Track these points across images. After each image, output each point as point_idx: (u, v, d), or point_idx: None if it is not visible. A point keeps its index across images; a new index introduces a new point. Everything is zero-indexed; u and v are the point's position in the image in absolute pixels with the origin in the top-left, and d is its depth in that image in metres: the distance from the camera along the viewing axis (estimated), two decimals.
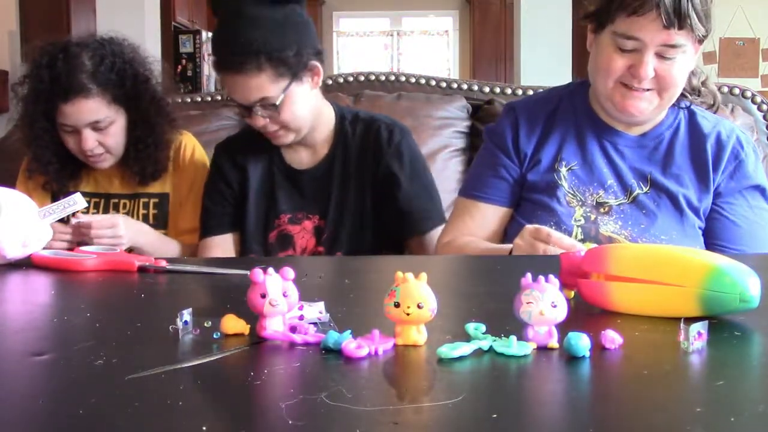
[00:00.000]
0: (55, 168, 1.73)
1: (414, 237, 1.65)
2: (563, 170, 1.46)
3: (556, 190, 1.44)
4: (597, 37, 1.42)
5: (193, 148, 1.82)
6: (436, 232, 1.60)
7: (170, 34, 6.38)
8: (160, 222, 1.77)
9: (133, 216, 1.77)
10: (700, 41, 1.37)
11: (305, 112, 1.60)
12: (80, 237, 1.55)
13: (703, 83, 1.52)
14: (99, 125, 1.65)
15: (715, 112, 1.54)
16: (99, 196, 1.79)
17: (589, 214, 1.40)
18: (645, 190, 1.43)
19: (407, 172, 1.64)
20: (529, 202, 1.48)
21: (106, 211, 1.78)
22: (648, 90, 1.37)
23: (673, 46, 1.32)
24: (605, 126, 1.47)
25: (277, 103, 1.54)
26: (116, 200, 1.79)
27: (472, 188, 1.53)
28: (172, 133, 1.78)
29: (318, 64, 1.60)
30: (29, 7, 4.94)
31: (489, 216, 1.50)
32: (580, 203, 1.43)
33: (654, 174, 1.43)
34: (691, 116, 1.48)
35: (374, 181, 1.64)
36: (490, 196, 1.50)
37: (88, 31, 1.76)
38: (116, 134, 1.69)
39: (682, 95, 1.46)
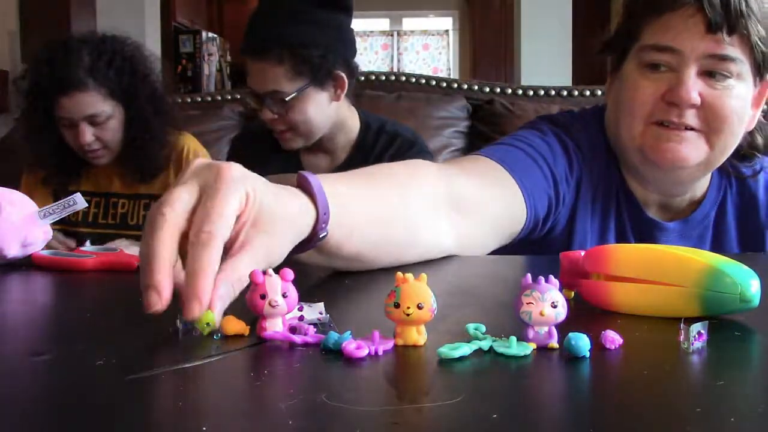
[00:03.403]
0: (54, 163, 1.74)
1: None
2: None
3: None
4: (618, 74, 1.08)
5: (195, 152, 1.82)
6: None
7: (170, 34, 6.38)
8: None
9: (132, 217, 1.77)
10: (758, 68, 0.99)
11: (318, 119, 1.57)
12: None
13: None
14: (96, 119, 1.66)
15: None
16: (99, 196, 1.79)
17: None
18: None
19: None
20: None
21: (105, 210, 1.78)
22: (691, 130, 1.00)
23: (722, 59, 0.97)
24: (642, 214, 1.11)
25: (287, 99, 1.53)
26: (115, 200, 1.79)
27: (503, 159, 1.03)
28: (172, 132, 1.79)
29: (343, 75, 1.57)
30: (29, 7, 4.93)
31: (512, 198, 1.01)
32: None
33: None
34: (742, 183, 1.13)
35: None
36: (523, 180, 1.02)
37: (43, 42, 1.77)
38: (113, 129, 1.70)
39: (740, 158, 1.10)
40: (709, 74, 0.99)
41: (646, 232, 1.11)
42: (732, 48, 0.97)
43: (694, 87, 0.98)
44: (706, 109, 0.99)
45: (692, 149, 1.01)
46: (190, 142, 1.81)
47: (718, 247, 1.14)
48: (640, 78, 1.01)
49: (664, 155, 1.01)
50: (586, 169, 1.10)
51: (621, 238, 1.11)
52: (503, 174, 1.00)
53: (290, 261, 0.74)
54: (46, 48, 1.70)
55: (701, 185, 1.13)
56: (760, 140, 1.12)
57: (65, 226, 1.75)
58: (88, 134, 1.65)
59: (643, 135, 1.02)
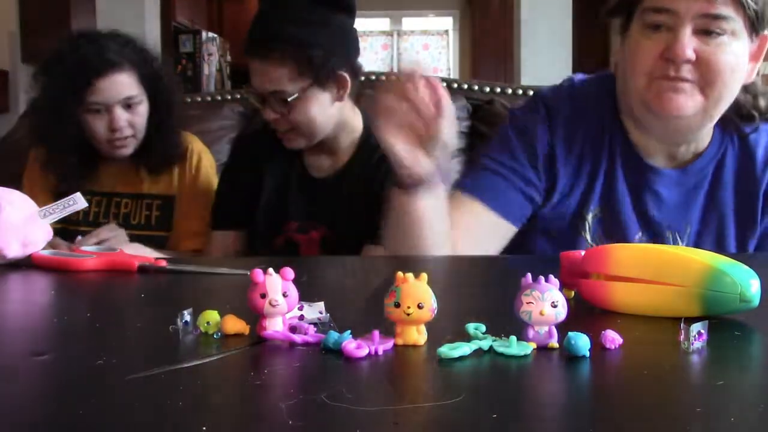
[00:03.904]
0: (74, 159, 1.72)
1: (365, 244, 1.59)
2: (589, 217, 1.22)
3: (578, 242, 1.22)
4: (625, 36, 1.18)
5: (200, 154, 1.82)
6: (378, 250, 1.51)
7: (170, 34, 6.38)
8: (163, 224, 1.77)
9: (135, 217, 1.77)
10: (752, 25, 1.08)
11: (321, 119, 1.57)
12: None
13: None
14: (131, 102, 1.67)
15: None
16: (102, 195, 1.79)
17: None
18: (679, 242, 1.21)
19: None
20: (545, 237, 1.26)
21: (108, 209, 1.78)
22: (687, 82, 1.09)
23: (715, 18, 1.06)
24: (640, 159, 1.21)
25: (289, 99, 1.53)
26: (118, 199, 1.79)
27: (476, 187, 1.22)
28: (181, 126, 1.80)
29: (346, 75, 1.57)
30: (29, 7, 4.94)
31: (489, 223, 1.21)
32: None
33: (693, 224, 1.21)
34: (744, 142, 1.21)
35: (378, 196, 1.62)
36: (497, 204, 1.21)
37: (58, 40, 1.77)
38: (143, 115, 1.71)
39: (744, 116, 1.19)
40: (704, 32, 1.07)
41: (639, 176, 1.21)
42: (724, 7, 1.06)
43: (689, 44, 1.07)
44: (701, 64, 1.08)
45: (688, 99, 1.10)
46: (194, 144, 1.81)
47: (712, 198, 1.21)
48: (641, 38, 1.11)
49: (663, 105, 1.11)
50: (562, 133, 1.22)
51: (611, 179, 1.22)
52: (480, 209, 1.21)
53: (291, 261, 0.74)
54: (64, 42, 1.69)
55: (703, 138, 1.20)
56: (762, 102, 1.20)
57: (66, 225, 1.75)
58: (122, 118, 1.64)
59: (647, 88, 1.12)
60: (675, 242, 1.22)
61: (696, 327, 0.60)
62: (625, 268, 0.76)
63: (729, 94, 1.13)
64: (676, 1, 1.07)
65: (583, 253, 0.80)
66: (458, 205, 1.20)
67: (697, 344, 0.61)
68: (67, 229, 1.76)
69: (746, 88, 1.19)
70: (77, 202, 1.13)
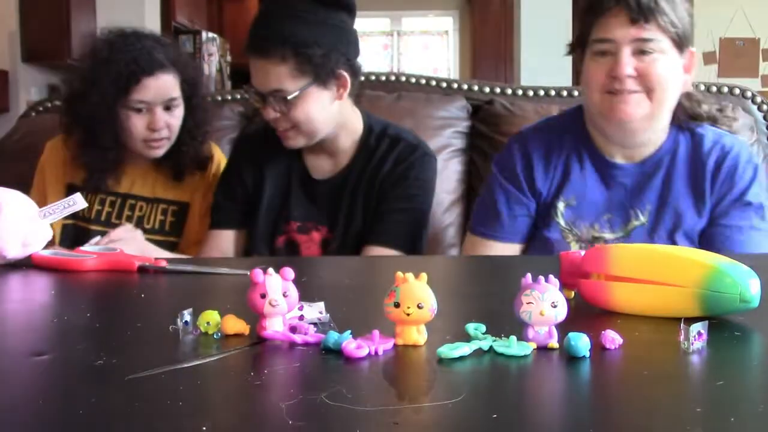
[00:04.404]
0: (109, 155, 1.72)
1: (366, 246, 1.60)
2: (561, 205, 1.46)
3: (551, 225, 1.45)
4: (582, 65, 1.43)
5: (219, 163, 1.83)
6: (376, 250, 1.57)
7: (170, 34, 6.38)
8: (175, 230, 1.77)
9: (149, 221, 1.77)
10: (677, 43, 1.36)
11: (321, 118, 1.57)
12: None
13: (695, 103, 1.47)
14: (172, 103, 1.68)
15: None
16: (117, 195, 1.78)
17: (584, 248, 1.37)
18: (642, 221, 1.43)
19: (399, 192, 1.61)
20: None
21: (121, 210, 1.77)
22: (635, 92, 1.36)
23: (645, 40, 1.33)
24: (604, 159, 1.46)
25: (289, 98, 1.52)
26: (133, 201, 1.78)
27: (485, 227, 1.51)
28: (210, 134, 1.81)
29: (346, 74, 1.57)
30: (29, 7, 4.93)
31: (504, 252, 1.49)
32: (576, 238, 1.44)
33: (651, 206, 1.42)
34: (693, 137, 1.46)
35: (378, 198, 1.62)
36: (506, 235, 1.49)
37: (88, 31, 1.77)
38: (180, 118, 1.72)
39: (691, 117, 1.45)
40: (640, 52, 1.35)
41: (605, 171, 1.46)
42: (651, 32, 1.34)
43: (628, 63, 1.35)
44: (641, 77, 1.36)
45: (637, 107, 1.37)
46: (216, 153, 1.81)
47: (668, 181, 1.43)
48: (592, 63, 1.40)
49: (615, 114, 1.38)
50: (539, 162, 1.50)
51: (582, 175, 1.47)
52: (496, 245, 1.50)
53: (291, 261, 0.74)
54: (113, 35, 1.69)
55: (658, 139, 1.45)
56: (704, 107, 1.48)
57: (77, 222, 1.75)
58: (162, 119, 1.65)
59: (602, 102, 1.39)
60: (636, 218, 1.44)
61: (696, 327, 0.61)
62: (625, 268, 0.76)
63: (670, 98, 1.40)
64: (614, 31, 1.35)
65: (583, 253, 0.81)
66: (479, 248, 1.51)
67: (697, 344, 0.61)
68: (77, 227, 1.76)
69: (690, 96, 1.48)
70: (77, 202, 1.13)
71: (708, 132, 1.47)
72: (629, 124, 1.39)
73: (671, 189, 1.43)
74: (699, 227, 1.41)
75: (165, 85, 1.67)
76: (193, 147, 1.75)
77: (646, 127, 1.41)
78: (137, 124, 1.67)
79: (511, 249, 1.50)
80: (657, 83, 1.35)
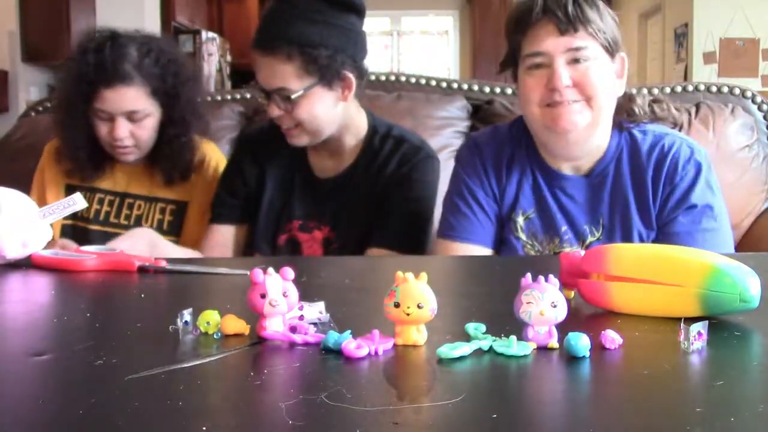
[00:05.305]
0: (83, 155, 1.73)
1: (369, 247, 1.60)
2: (520, 220, 1.45)
3: (512, 240, 1.43)
4: (517, 81, 1.42)
5: (217, 163, 1.82)
6: (379, 252, 1.56)
7: (170, 34, 6.38)
8: (174, 229, 1.77)
9: (147, 220, 1.77)
10: (608, 49, 1.36)
11: (325, 118, 1.57)
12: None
13: (632, 99, 1.47)
14: (135, 116, 1.67)
15: (680, 130, 1.50)
16: (115, 194, 1.78)
17: None
18: (597, 236, 1.41)
19: (402, 194, 1.61)
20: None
21: (119, 210, 1.77)
22: (575, 102, 1.34)
23: (577, 49, 1.33)
24: (552, 171, 1.44)
25: (293, 97, 1.52)
26: (131, 200, 1.78)
27: (452, 230, 1.48)
28: (201, 138, 1.80)
29: (352, 76, 1.57)
30: (29, 7, 4.94)
31: (475, 254, 1.46)
32: (538, 253, 1.42)
33: (604, 217, 1.40)
34: (632, 140, 1.43)
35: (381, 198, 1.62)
36: (476, 237, 1.46)
37: (88, 31, 1.77)
38: (149, 128, 1.70)
39: (631, 119, 1.44)
40: (574, 60, 1.34)
41: (556, 183, 1.45)
42: (581, 41, 1.34)
43: (564, 73, 1.34)
44: (578, 86, 1.34)
45: (577, 115, 1.35)
46: (212, 152, 1.81)
47: (615, 193, 1.41)
48: (527, 77, 1.38)
49: (557, 125, 1.36)
50: (492, 164, 1.49)
51: (537, 188, 1.46)
52: (468, 246, 1.46)
53: (291, 261, 0.74)
54: (92, 39, 1.69)
55: (600, 147, 1.43)
56: (639, 101, 1.46)
57: (76, 221, 1.75)
58: (123, 129, 1.64)
59: (542, 116, 1.37)
60: (592, 234, 1.42)
61: (696, 327, 0.61)
62: (625, 268, 0.76)
63: (609, 102, 1.39)
64: (545, 43, 1.34)
65: (583, 253, 0.81)
66: (447, 250, 1.48)
67: (697, 344, 0.61)
68: (77, 227, 1.76)
69: (629, 97, 1.47)
70: (77, 202, 1.13)
71: (648, 133, 1.44)
72: (572, 134, 1.36)
73: (618, 201, 1.40)
74: (651, 238, 1.38)
75: (124, 98, 1.65)
76: (172, 157, 1.73)
77: (589, 135, 1.38)
78: (101, 129, 1.68)
79: (481, 251, 1.47)
80: (594, 90, 1.34)
